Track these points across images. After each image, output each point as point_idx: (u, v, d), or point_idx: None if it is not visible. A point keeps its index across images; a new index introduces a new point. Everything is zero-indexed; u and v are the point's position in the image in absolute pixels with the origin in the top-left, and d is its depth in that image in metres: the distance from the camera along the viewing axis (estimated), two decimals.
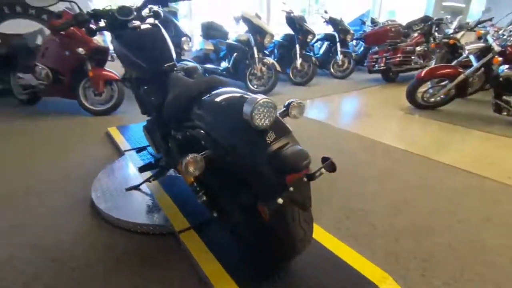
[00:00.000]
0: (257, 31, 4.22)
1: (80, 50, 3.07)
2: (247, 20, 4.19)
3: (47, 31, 3.75)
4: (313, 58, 4.98)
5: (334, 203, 1.71)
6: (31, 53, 3.48)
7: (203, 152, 0.89)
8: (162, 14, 1.81)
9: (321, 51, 5.98)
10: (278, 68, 4.26)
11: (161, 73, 1.47)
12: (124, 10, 1.56)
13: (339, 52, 5.55)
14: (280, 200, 0.75)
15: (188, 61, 3.94)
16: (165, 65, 1.48)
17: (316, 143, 2.60)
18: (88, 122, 3.16)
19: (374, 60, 5.23)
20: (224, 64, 4.74)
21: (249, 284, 1.10)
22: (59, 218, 1.57)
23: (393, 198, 1.77)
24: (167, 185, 1.75)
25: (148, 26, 1.61)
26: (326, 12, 5.74)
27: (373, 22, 6.24)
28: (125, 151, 2.23)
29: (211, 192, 1.07)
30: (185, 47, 3.86)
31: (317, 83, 5.25)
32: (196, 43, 5.50)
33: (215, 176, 1.01)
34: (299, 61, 4.96)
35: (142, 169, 1.68)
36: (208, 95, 1.06)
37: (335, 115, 3.66)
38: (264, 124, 0.78)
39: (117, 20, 1.54)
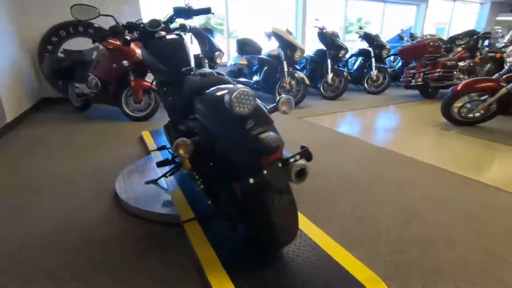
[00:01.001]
0: (288, 46, 4.36)
1: (125, 62, 3.46)
2: (277, 36, 4.36)
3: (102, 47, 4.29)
4: (345, 73, 4.96)
5: (345, 211, 1.69)
6: (87, 66, 4.00)
7: (194, 138, 0.99)
8: (188, 27, 2.00)
9: (355, 67, 5.92)
10: (307, 81, 4.33)
11: (179, 76, 1.63)
12: (153, 23, 1.78)
13: (373, 67, 5.45)
14: (251, 180, 0.81)
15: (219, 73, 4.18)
16: (183, 69, 1.64)
17: (339, 155, 2.58)
18: (127, 127, 3.50)
19: (411, 75, 5.04)
20: (255, 78, 4.93)
21: (238, 272, 1.15)
22: (87, 202, 1.78)
23: (409, 209, 1.69)
24: (181, 180, 1.89)
25: (172, 36, 1.80)
26: (361, 28, 5.73)
27: (412, 37, 6.05)
28: (151, 151, 2.44)
29: (208, 180, 1.16)
30: (218, 60, 4.13)
31: (348, 98, 5.19)
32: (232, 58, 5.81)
33: (207, 163, 1.10)
34: (330, 75, 4.97)
35: (159, 165, 1.84)
36: (207, 90, 1.18)
37: (363, 128, 3.58)
38: (243, 111, 0.86)
39: (147, 31, 1.76)
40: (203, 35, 4.01)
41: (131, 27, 1.75)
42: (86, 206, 1.75)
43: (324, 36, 4.99)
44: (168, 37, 1.79)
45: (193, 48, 4.21)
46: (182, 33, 1.95)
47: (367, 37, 5.56)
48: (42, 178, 2.13)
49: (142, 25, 1.77)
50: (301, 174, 1.22)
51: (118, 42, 3.42)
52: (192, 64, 1.73)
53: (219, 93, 1.08)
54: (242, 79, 5.28)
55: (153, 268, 1.25)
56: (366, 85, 5.68)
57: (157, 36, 1.77)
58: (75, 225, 1.56)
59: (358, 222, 1.58)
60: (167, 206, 1.64)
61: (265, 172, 0.84)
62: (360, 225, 1.55)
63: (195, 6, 1.94)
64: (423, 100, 5.14)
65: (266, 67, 4.67)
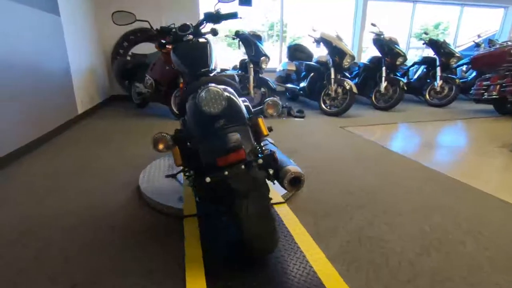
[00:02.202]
0: (337, 52, 4.19)
1: None
2: (326, 42, 4.23)
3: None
4: (401, 82, 4.55)
5: (352, 228, 1.55)
6: (147, 68, 4.45)
7: (176, 134, 1.02)
8: (218, 32, 2.07)
9: (416, 76, 5.39)
10: (355, 90, 4.08)
11: (197, 76, 1.70)
12: (183, 27, 1.90)
13: (438, 77, 4.89)
14: (207, 179, 0.80)
15: (264, 78, 4.22)
16: (202, 70, 1.70)
17: (370, 170, 2.38)
18: (173, 124, 3.78)
19: (484, 87, 4.37)
20: (302, 84, 4.86)
21: (216, 276, 1.14)
22: (118, 188, 1.97)
23: (434, 238, 1.47)
24: None
25: (199, 39, 1.89)
26: (426, 33, 5.20)
27: (491, 44, 5.25)
28: None
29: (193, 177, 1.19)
30: (263, 65, 4.18)
31: (404, 109, 4.75)
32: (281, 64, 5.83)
33: (192, 160, 1.12)
34: (383, 84, 4.62)
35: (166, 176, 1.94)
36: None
37: (412, 144, 3.22)
38: (212, 110, 0.86)
39: (177, 35, 1.88)
40: (250, 40, 4.11)
41: (164, 31, 1.89)
42: (116, 191, 1.93)
43: (380, 42, 4.67)
44: (194, 40, 1.89)
45: (240, 53, 4.34)
46: (206, 37, 2.03)
47: (432, 44, 5.01)
48: (93, 163, 2.44)
49: (173, 29, 1.90)
50: (296, 181, 1.16)
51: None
52: (213, 66, 1.78)
53: (198, 92, 1.11)
54: (289, 85, 5.27)
55: (143, 256, 1.32)
56: (427, 96, 5.12)
57: (185, 40, 1.88)
58: (96, 206, 1.75)
59: (364, 242, 1.42)
60: (176, 200, 1.72)
61: (226, 172, 0.83)
62: (366, 246, 1.40)
63: (224, 11, 2.02)
64: (497, 116, 4.41)
65: (312, 73, 4.57)
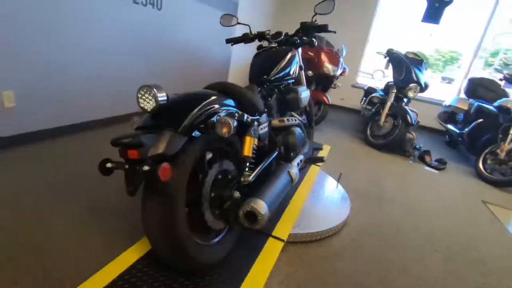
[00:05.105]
0: None
1: (310, 72, 3.77)
2: None
3: None
4: None
5: None
6: None
7: None
8: (315, 44, 1.94)
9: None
10: None
11: (256, 83, 1.69)
12: (275, 34, 1.92)
13: None
14: (108, 164, 0.86)
15: (405, 109, 3.52)
16: (263, 77, 1.67)
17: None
18: None
19: None
20: (466, 129, 3.67)
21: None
22: None
23: None
24: None
25: (280, 48, 1.86)
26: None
27: None
28: None
29: None
30: (410, 93, 3.47)
31: None
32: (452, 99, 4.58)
33: None
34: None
35: None
36: None
37: None
38: (144, 107, 0.89)
39: (268, 40, 1.93)
40: (402, 62, 3.47)
41: (260, 36, 1.97)
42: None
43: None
44: (277, 48, 1.87)
45: (387, 73, 3.78)
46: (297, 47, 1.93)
47: None
48: None
49: (268, 35, 1.95)
50: (252, 217, 1.05)
51: (311, 53, 3.76)
52: (273, 75, 1.69)
53: None
54: (450, 126, 4.10)
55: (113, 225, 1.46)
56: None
57: (269, 46, 1.90)
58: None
59: None
60: None
61: (126, 166, 0.85)
62: None
63: (319, 23, 1.86)
64: None
65: (482, 119, 3.35)
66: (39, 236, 1.29)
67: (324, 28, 1.80)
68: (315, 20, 1.86)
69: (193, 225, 1.14)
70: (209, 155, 1.22)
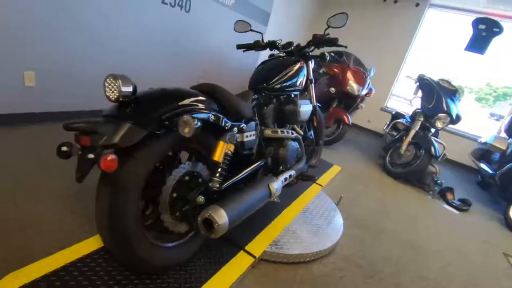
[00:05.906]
0: None
1: (332, 89, 3.66)
2: None
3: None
4: None
5: None
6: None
7: None
8: (327, 58, 1.87)
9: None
10: None
11: (255, 89, 1.64)
12: (286, 44, 1.88)
13: None
14: (64, 147, 0.86)
15: (431, 140, 3.26)
16: (263, 84, 1.62)
17: None
18: None
19: None
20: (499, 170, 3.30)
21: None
22: None
23: None
24: None
25: (287, 57, 1.81)
26: None
27: None
28: None
29: None
30: (439, 124, 3.20)
31: None
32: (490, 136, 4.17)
33: None
34: None
35: None
36: None
37: None
38: (109, 96, 0.88)
39: (278, 49, 1.89)
40: (434, 89, 3.22)
41: (271, 45, 1.93)
42: None
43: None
44: (284, 58, 1.82)
45: (416, 100, 3.55)
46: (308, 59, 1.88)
47: None
48: None
49: (278, 44, 1.91)
50: (209, 225, 1.01)
51: (336, 69, 3.65)
52: (273, 83, 1.63)
53: None
54: (482, 165, 3.72)
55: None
56: None
57: (277, 55, 1.86)
58: None
59: None
60: None
61: (80, 152, 0.85)
62: None
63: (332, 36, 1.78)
64: None
65: None
66: (19, 210, 1.34)
67: (333, 42, 1.72)
68: (328, 34, 1.79)
69: (150, 224, 1.11)
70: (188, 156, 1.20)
